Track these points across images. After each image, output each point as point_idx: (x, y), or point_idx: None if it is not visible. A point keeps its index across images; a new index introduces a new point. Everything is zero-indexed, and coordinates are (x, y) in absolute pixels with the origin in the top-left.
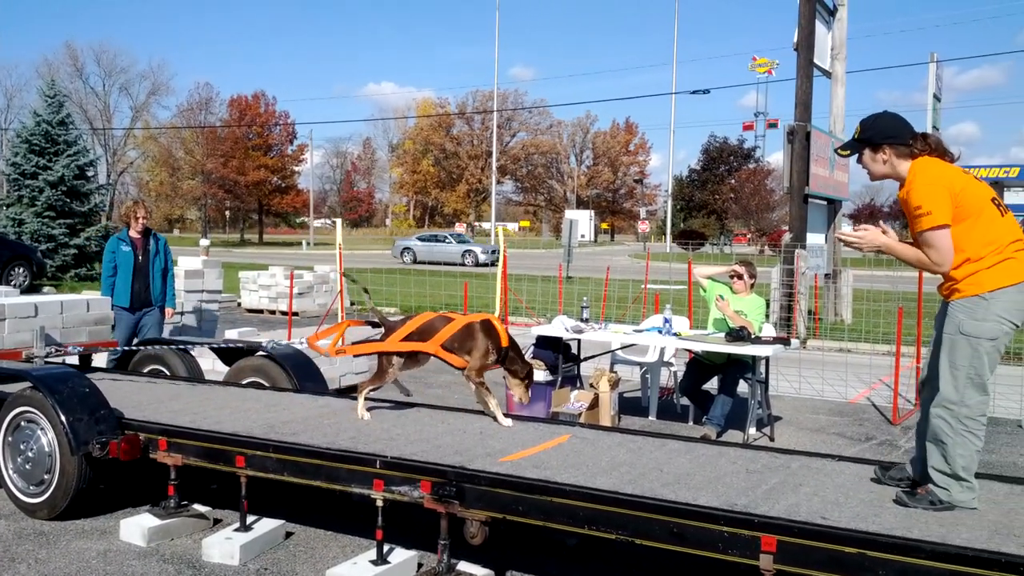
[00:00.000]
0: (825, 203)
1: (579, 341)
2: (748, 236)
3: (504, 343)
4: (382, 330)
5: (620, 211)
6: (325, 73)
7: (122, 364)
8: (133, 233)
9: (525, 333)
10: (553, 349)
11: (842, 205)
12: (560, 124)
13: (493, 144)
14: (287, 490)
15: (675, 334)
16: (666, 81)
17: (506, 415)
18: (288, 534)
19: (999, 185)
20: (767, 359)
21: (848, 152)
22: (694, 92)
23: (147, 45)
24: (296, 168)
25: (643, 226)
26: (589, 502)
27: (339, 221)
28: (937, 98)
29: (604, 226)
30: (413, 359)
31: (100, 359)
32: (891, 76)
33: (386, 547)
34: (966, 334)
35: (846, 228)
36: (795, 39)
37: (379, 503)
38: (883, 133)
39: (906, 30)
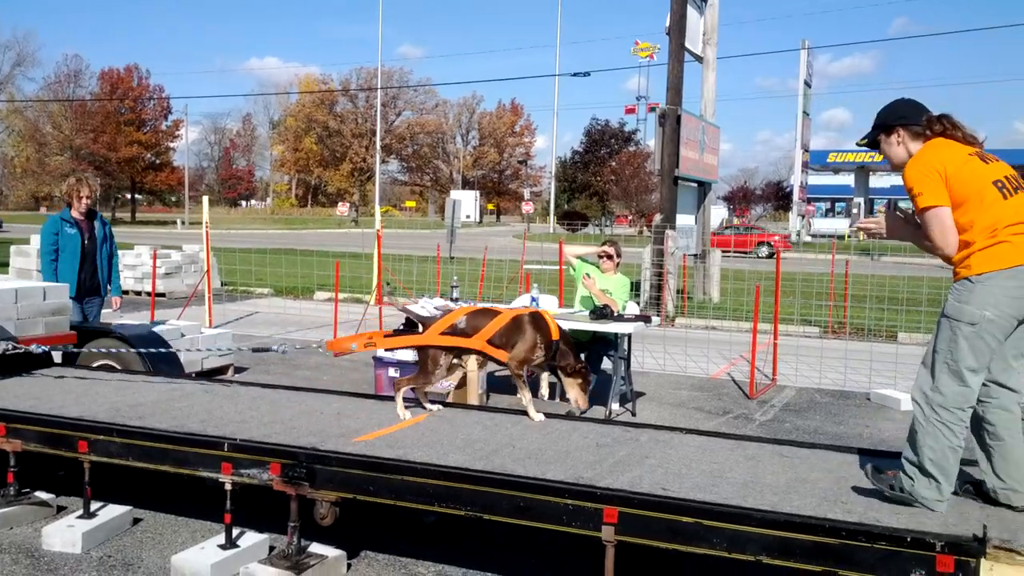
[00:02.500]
0: (695, 185)
1: None
2: (629, 217)
3: (554, 336)
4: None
5: (506, 192)
6: (205, 47)
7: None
8: (76, 214)
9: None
10: None
11: (711, 187)
12: (446, 104)
13: (377, 122)
14: (142, 476)
15: None
16: (553, 63)
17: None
18: (136, 520)
19: (865, 170)
20: (629, 336)
21: (865, 141)
22: (575, 74)
23: (11, 14)
24: (171, 144)
25: (527, 207)
26: (439, 479)
27: (205, 199)
28: (808, 84)
29: (490, 207)
30: (457, 356)
31: None
32: (768, 63)
33: (236, 531)
34: (947, 316)
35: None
36: (667, 23)
37: (228, 487)
38: (895, 114)
39: (778, 17)
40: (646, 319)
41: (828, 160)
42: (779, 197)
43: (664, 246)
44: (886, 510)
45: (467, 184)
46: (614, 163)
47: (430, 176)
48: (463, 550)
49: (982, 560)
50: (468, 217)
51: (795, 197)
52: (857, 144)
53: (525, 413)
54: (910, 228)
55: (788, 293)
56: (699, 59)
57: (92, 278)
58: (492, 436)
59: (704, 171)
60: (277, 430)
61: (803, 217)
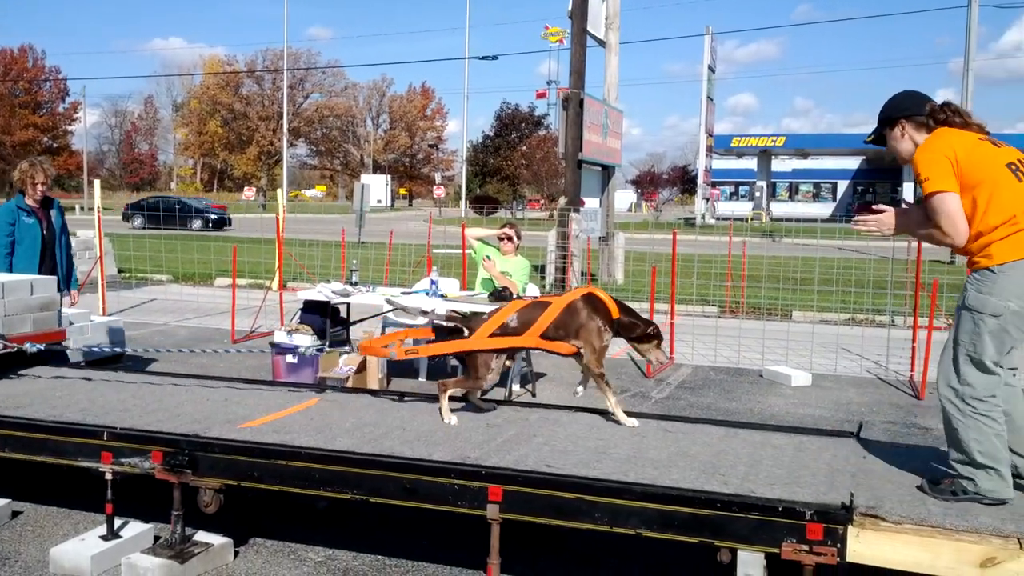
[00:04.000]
0: (600, 169)
1: (348, 305)
2: (541, 201)
3: (615, 315)
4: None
5: (418, 176)
6: (105, 27)
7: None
8: (30, 202)
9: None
10: (321, 313)
11: (615, 171)
12: (355, 87)
13: (284, 105)
14: (24, 468)
15: (442, 295)
16: (463, 46)
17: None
18: (16, 513)
19: (767, 154)
20: None
21: (872, 138)
22: (483, 58)
23: None
24: (69, 128)
25: (439, 191)
26: (324, 464)
27: (97, 183)
28: (712, 69)
29: (402, 191)
30: (509, 356)
31: None
32: (676, 48)
33: (120, 521)
34: (969, 307)
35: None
36: (570, 7)
37: (108, 476)
38: (897, 108)
39: (682, 2)
40: None
41: (732, 144)
42: (685, 181)
43: (568, 229)
44: (762, 481)
45: (378, 168)
46: (525, 147)
47: (340, 160)
48: (354, 534)
49: (849, 527)
50: (379, 201)
51: (700, 181)
52: (865, 142)
53: (421, 397)
54: (914, 220)
55: (687, 274)
56: (602, 43)
57: (53, 272)
58: (383, 419)
59: (608, 155)
60: (161, 418)
61: (708, 200)
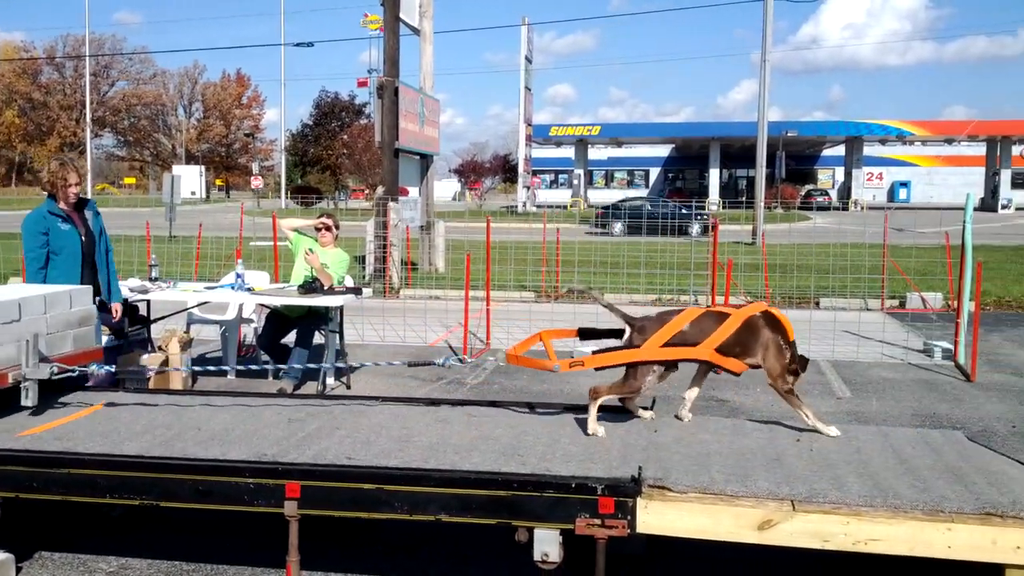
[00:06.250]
0: (418, 157)
1: (148, 302)
2: (366, 191)
3: (791, 336)
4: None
5: (235, 166)
6: None
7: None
8: (63, 206)
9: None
10: None
11: (434, 159)
12: (165, 74)
13: (87, 93)
14: None
15: (248, 289)
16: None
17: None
18: None
19: (584, 143)
20: (341, 309)
21: None
22: (298, 44)
23: None
24: None
25: (256, 182)
26: (109, 470)
27: None
28: (529, 60)
29: (218, 182)
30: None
31: None
32: (498, 39)
33: None
34: None
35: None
36: None
37: None
38: None
39: None
40: (356, 291)
41: (550, 134)
42: (506, 170)
43: (387, 218)
44: (558, 460)
45: (192, 159)
46: (346, 136)
47: (150, 151)
48: (151, 540)
49: (638, 499)
50: (193, 194)
51: (520, 170)
52: None
53: (215, 393)
54: None
55: (504, 261)
56: (416, 32)
57: (93, 283)
58: (177, 420)
59: (426, 143)
60: None
61: (528, 189)
